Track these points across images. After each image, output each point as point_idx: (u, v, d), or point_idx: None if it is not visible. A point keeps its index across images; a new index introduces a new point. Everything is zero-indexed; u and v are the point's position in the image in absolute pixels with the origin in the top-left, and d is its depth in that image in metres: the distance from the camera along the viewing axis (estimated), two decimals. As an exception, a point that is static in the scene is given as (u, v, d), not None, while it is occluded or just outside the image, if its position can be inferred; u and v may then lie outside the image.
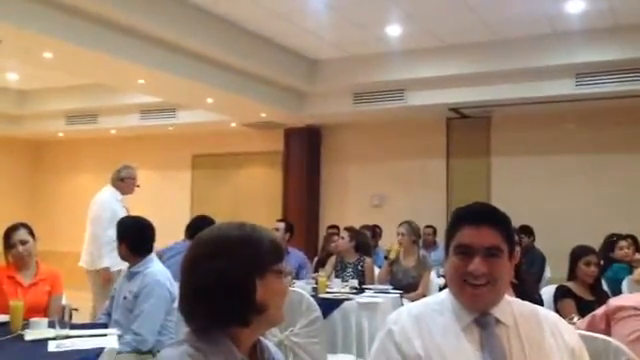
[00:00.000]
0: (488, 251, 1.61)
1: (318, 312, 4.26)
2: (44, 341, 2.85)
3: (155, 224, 3.65)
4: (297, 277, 5.62)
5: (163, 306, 3.38)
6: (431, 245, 7.91)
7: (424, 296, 5.04)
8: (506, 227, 1.66)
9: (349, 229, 5.95)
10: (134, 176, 5.72)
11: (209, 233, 1.43)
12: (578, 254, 3.96)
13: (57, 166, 11.98)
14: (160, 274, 3.46)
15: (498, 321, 1.62)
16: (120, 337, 3.12)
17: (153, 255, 3.58)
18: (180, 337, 1.40)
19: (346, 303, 4.58)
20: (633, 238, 6.00)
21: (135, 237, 3.54)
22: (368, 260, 5.72)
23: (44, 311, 3.64)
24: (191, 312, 1.38)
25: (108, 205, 5.43)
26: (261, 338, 1.47)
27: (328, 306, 4.47)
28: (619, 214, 7.34)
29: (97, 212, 5.47)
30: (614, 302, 2.59)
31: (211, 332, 1.36)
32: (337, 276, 5.60)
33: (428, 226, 8.04)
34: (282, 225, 6.28)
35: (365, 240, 6.06)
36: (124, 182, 5.64)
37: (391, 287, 5.23)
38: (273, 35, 7.11)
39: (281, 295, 1.43)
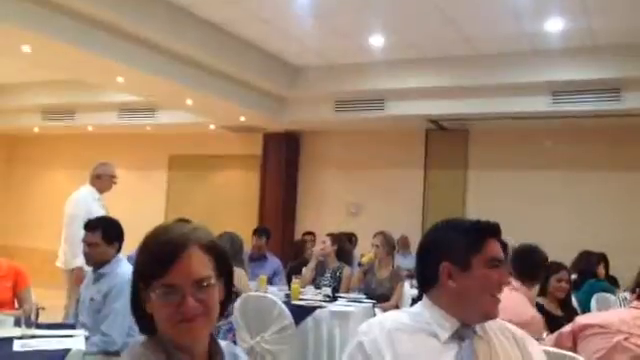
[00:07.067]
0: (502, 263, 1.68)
1: (290, 319, 4.25)
2: (9, 340, 2.79)
3: (129, 224, 3.60)
4: (271, 283, 5.59)
5: (132, 307, 3.33)
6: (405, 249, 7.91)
7: (397, 307, 5.09)
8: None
9: (331, 235, 5.99)
10: (111, 173, 5.63)
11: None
12: (550, 270, 4.01)
13: (31, 161, 11.80)
14: (130, 274, 3.40)
15: (475, 333, 1.63)
16: (87, 338, 3.07)
17: (121, 256, 3.52)
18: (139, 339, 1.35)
19: (318, 311, 4.56)
20: (603, 256, 6.09)
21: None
22: (347, 269, 5.73)
23: (6, 306, 3.61)
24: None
25: (83, 204, 5.28)
26: (218, 341, 1.36)
27: (300, 313, 4.46)
28: (592, 231, 7.43)
29: (71, 211, 5.32)
30: (581, 320, 2.61)
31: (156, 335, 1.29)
32: (315, 279, 5.61)
33: (403, 237, 8.06)
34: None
35: (346, 247, 6.08)
36: (101, 179, 5.55)
37: (364, 296, 5.24)
38: (256, 39, 7.10)
39: (163, 315, 1.23)
